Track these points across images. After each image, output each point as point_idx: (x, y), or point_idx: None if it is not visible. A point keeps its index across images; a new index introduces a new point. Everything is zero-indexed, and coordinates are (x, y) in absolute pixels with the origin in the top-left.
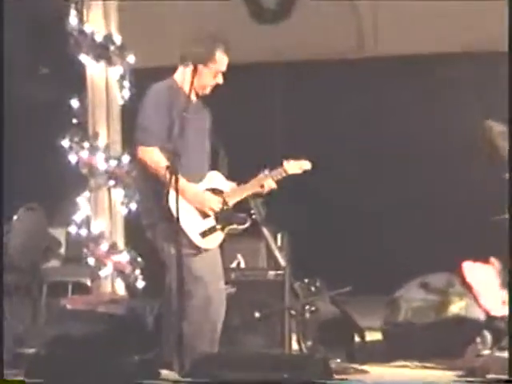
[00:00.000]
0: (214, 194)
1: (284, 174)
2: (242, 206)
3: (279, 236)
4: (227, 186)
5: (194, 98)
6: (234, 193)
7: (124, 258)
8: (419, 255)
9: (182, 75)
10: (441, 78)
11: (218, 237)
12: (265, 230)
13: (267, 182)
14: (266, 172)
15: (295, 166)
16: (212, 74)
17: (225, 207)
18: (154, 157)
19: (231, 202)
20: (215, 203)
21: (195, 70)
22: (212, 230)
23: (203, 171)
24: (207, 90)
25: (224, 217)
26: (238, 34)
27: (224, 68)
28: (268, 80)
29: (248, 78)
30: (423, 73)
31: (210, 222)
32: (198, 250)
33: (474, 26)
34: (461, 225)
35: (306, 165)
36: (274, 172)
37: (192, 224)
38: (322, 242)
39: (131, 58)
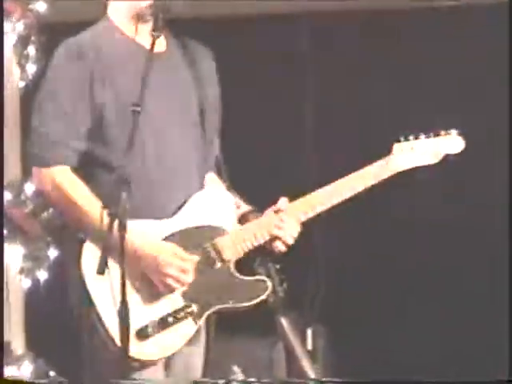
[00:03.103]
0: (201, 240)
1: (383, 178)
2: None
3: (309, 332)
4: (232, 216)
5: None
6: (236, 237)
7: (25, 371)
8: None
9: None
10: None
11: (184, 332)
12: (284, 323)
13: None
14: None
15: (424, 149)
16: None
17: (216, 265)
18: (60, 185)
19: (230, 255)
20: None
21: None
22: (168, 321)
23: (184, 191)
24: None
25: (212, 285)
26: None
27: None
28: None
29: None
30: None
31: (171, 303)
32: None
33: None
34: None
35: (454, 144)
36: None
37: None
38: (379, 340)
39: (41, 6)
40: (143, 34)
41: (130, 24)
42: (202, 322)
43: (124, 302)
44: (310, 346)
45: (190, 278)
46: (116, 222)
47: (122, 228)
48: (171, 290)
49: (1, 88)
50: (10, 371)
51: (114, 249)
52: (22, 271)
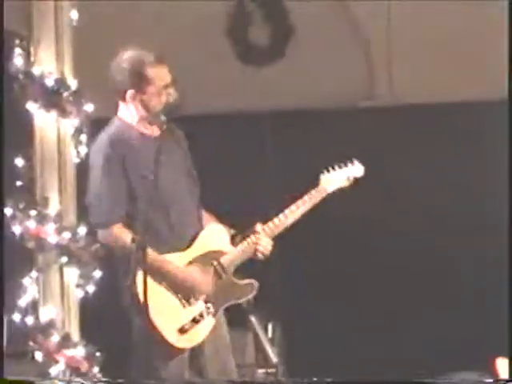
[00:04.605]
0: (211, 260)
1: (317, 200)
2: None
3: (270, 326)
4: (227, 242)
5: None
6: (233, 255)
7: (79, 352)
8: (441, 353)
9: (128, 110)
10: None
11: (207, 325)
12: (253, 319)
13: (264, 239)
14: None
15: (339, 176)
16: (155, 96)
17: (222, 276)
18: (118, 236)
19: (231, 268)
20: (206, 284)
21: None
22: (197, 319)
23: (193, 229)
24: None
25: (221, 291)
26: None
27: (166, 81)
28: (257, 132)
29: (233, 129)
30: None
31: (197, 307)
32: (176, 352)
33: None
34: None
35: (357, 170)
36: (287, 212)
37: (169, 316)
38: (322, 333)
39: (89, 107)
40: (145, 125)
41: (139, 120)
42: (217, 317)
43: (145, 300)
44: (270, 335)
45: (206, 293)
46: (139, 247)
47: (142, 250)
48: (197, 299)
49: (1, 105)
50: (69, 353)
51: (140, 265)
52: (77, 285)
